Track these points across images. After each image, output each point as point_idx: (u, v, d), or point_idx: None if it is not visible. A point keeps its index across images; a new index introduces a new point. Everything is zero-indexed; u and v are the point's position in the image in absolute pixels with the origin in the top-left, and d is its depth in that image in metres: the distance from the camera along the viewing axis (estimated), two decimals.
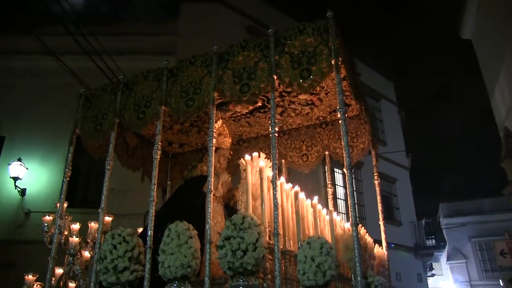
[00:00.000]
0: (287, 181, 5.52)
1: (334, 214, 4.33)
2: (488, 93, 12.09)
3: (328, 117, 5.72)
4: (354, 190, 3.36)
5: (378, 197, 5.63)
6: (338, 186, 14.36)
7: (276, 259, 3.26)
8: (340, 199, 14.49)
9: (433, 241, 20.45)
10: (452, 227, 23.36)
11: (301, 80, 3.82)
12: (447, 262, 23.47)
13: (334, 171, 13.39)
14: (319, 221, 4.22)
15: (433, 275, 22.18)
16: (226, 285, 3.39)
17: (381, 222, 5.47)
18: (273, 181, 3.55)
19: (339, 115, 3.65)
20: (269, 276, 3.48)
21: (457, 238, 23.16)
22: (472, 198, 24.13)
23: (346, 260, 3.47)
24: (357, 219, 3.17)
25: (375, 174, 5.67)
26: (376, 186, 5.62)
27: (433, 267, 22.03)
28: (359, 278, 2.97)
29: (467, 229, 22.91)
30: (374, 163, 5.77)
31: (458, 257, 23.02)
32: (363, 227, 4.36)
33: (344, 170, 3.45)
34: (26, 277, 5.26)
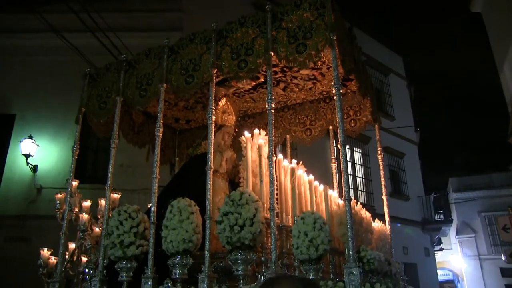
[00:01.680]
0: (292, 156, 5.60)
1: (331, 190, 4.41)
2: (498, 67, 11.93)
3: (332, 91, 5.70)
4: (348, 162, 3.42)
5: (381, 172, 5.67)
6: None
7: (272, 234, 3.34)
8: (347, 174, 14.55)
9: (442, 215, 20.49)
10: (462, 201, 23.39)
11: (297, 55, 3.81)
12: (456, 237, 23.60)
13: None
14: (315, 197, 4.30)
15: (441, 249, 22.35)
16: (226, 259, 3.53)
17: (384, 197, 5.51)
18: (270, 158, 3.60)
19: (334, 91, 3.67)
20: (268, 250, 3.59)
21: (467, 212, 23.22)
22: (482, 173, 24.05)
23: (340, 234, 3.56)
24: (350, 194, 3.24)
25: (378, 149, 5.69)
26: (380, 160, 5.65)
27: (442, 241, 22.17)
28: (351, 252, 3.05)
29: (477, 203, 22.93)
30: (377, 137, 5.78)
31: (467, 232, 23.12)
32: (358, 202, 4.43)
33: (338, 146, 3.51)
34: (41, 251, 5.42)
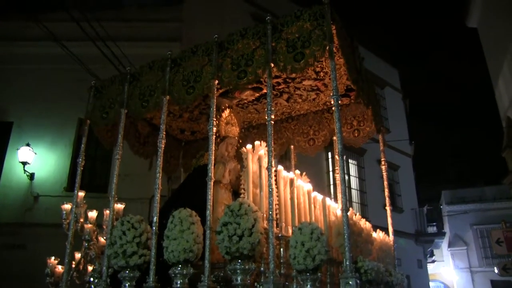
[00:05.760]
0: (295, 167, 5.63)
1: (329, 200, 4.46)
2: (492, 82, 12.12)
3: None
4: (345, 174, 3.47)
5: (385, 182, 5.69)
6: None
7: (270, 244, 3.38)
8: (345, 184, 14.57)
9: (435, 228, 20.60)
10: (454, 214, 23.52)
11: (294, 63, 3.83)
12: (448, 249, 23.69)
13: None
14: (314, 207, 4.36)
15: (434, 261, 22.42)
16: (226, 269, 3.57)
17: (388, 208, 5.55)
18: (269, 168, 3.64)
19: (332, 102, 3.67)
20: (267, 260, 3.63)
21: (459, 225, 23.35)
22: (475, 186, 24.24)
23: (338, 245, 3.61)
24: (347, 205, 3.29)
25: (382, 160, 5.71)
26: (384, 171, 5.69)
27: (434, 253, 22.25)
28: (347, 263, 3.08)
29: (469, 216, 23.08)
30: (381, 148, 5.78)
31: (459, 244, 23.24)
32: (357, 213, 4.48)
33: (336, 156, 3.57)
34: (48, 260, 5.42)
